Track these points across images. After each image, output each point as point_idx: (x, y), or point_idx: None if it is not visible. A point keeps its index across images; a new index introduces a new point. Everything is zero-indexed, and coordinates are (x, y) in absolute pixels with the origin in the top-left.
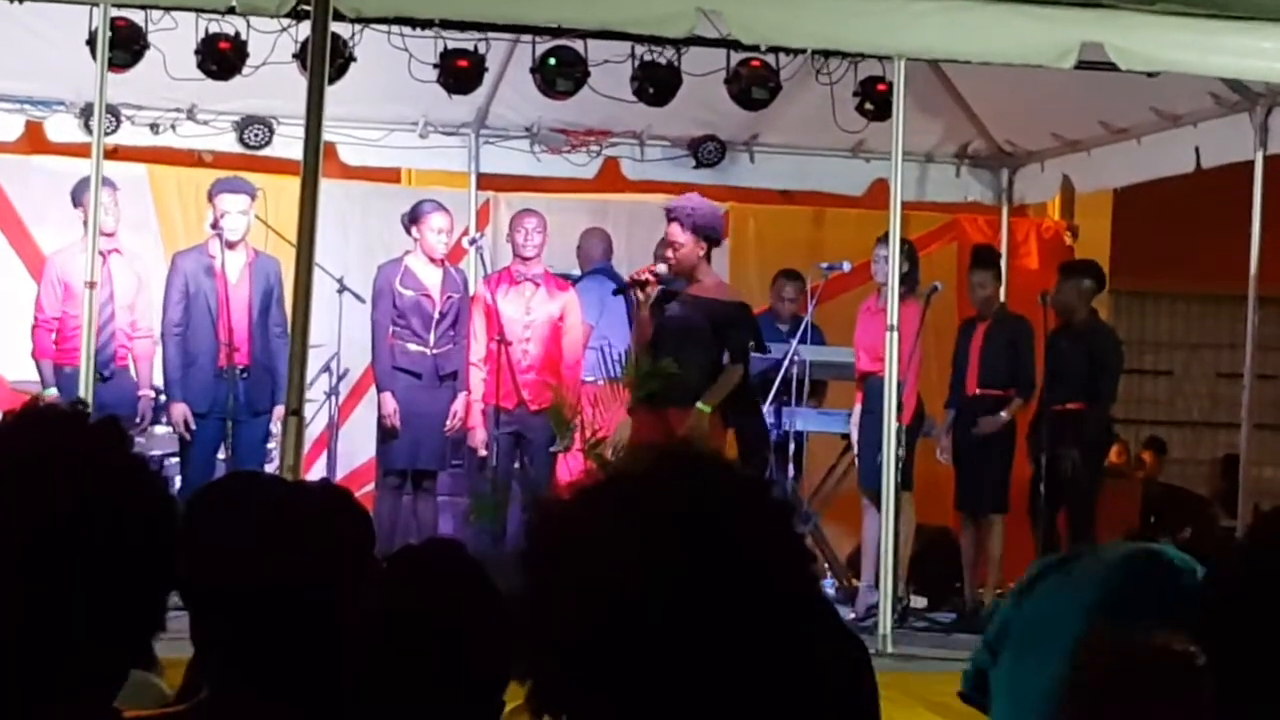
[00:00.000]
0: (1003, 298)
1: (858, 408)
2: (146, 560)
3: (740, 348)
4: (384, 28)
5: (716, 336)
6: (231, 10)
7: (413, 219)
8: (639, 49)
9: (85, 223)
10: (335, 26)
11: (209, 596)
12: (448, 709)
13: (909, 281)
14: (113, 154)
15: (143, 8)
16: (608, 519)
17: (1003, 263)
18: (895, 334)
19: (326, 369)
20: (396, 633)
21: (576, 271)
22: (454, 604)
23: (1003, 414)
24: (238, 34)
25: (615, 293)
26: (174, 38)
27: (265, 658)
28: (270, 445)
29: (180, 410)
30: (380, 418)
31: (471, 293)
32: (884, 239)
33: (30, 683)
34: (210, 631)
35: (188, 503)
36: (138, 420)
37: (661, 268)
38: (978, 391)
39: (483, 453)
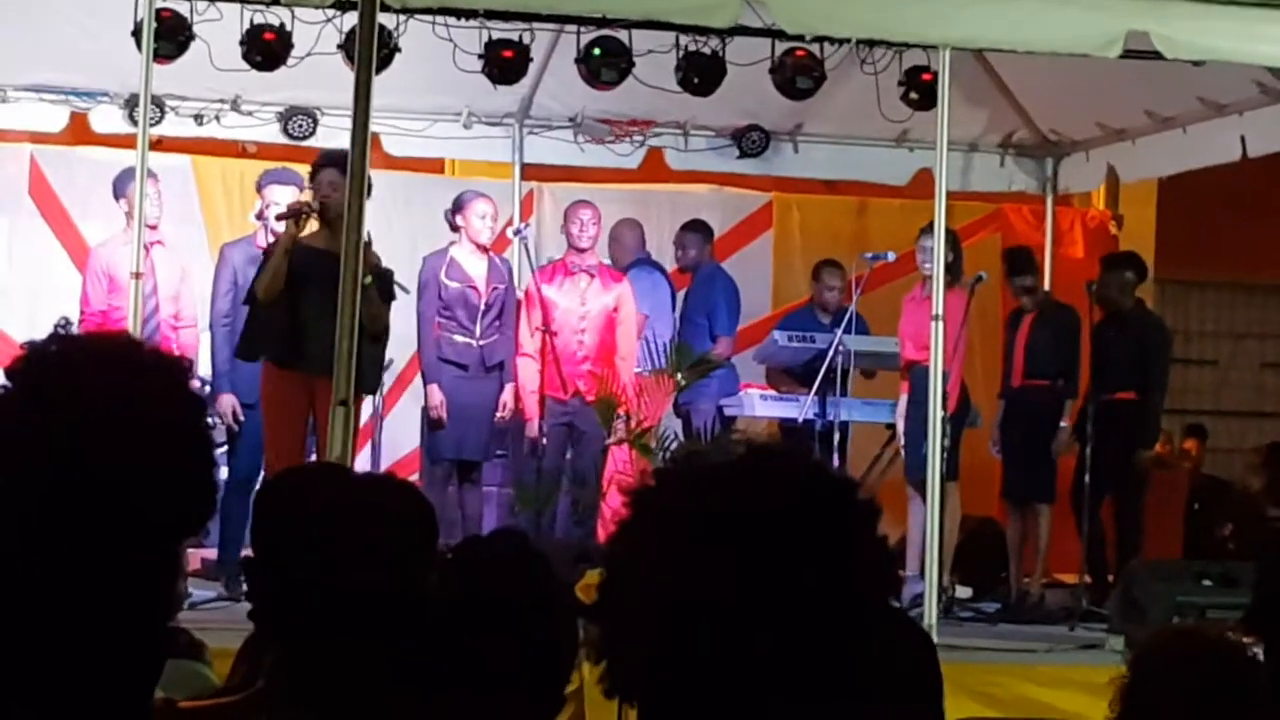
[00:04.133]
0: (1047, 287)
1: (903, 398)
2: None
3: None
4: (429, 18)
5: None
6: (276, 1)
7: (456, 208)
8: (683, 39)
9: (128, 214)
10: (381, 17)
11: (274, 585)
12: (511, 697)
13: (953, 271)
14: (157, 145)
15: None
16: (696, 508)
17: (1047, 253)
18: (940, 324)
19: None
20: (461, 622)
21: (608, 261)
22: (518, 593)
23: (1064, 423)
24: (282, 25)
25: None
26: (219, 28)
27: (327, 648)
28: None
29: (228, 401)
30: (426, 409)
31: (520, 284)
32: (928, 229)
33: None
34: (274, 620)
35: (258, 492)
36: None
37: None
38: (1024, 382)
39: (541, 441)
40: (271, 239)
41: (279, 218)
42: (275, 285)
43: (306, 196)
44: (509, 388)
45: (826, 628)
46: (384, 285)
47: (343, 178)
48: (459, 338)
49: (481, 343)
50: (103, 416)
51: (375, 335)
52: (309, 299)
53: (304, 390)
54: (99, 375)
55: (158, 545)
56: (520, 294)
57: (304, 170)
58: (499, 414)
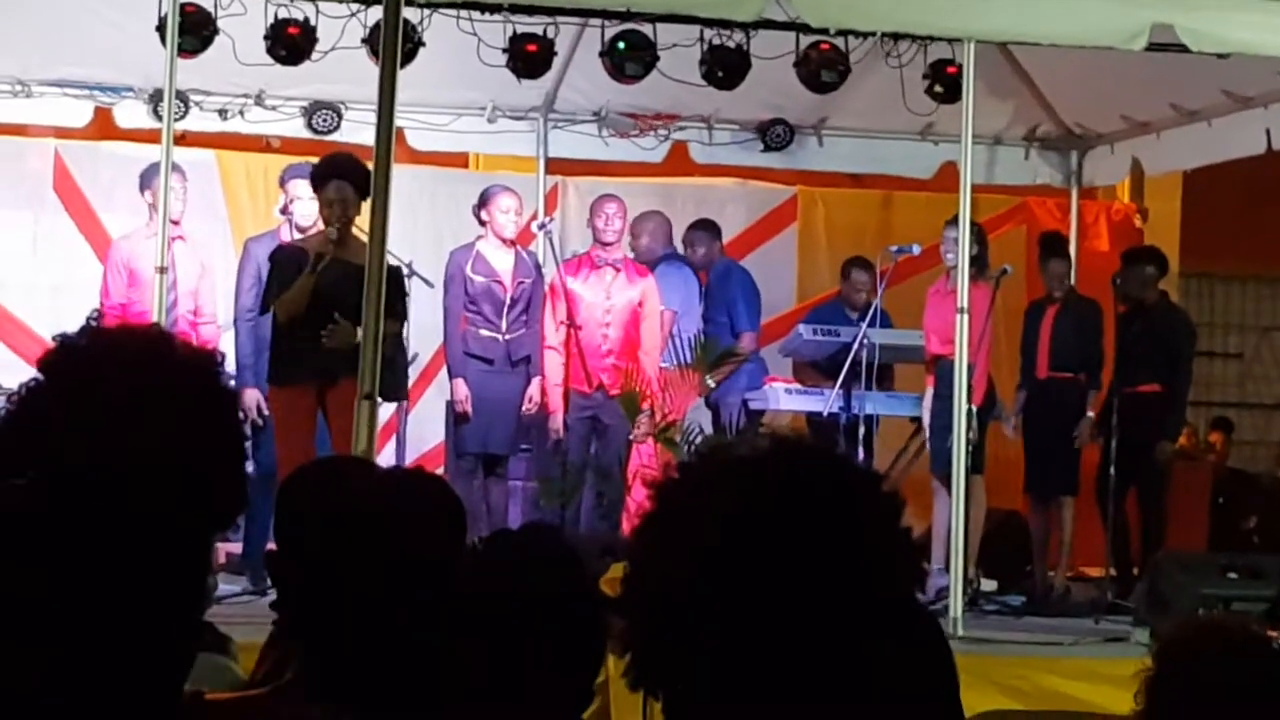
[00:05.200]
0: (1072, 280)
1: (929, 391)
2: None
3: None
4: (453, 12)
5: None
6: None
7: (481, 203)
8: (708, 32)
9: (152, 207)
10: (405, 11)
11: (301, 579)
12: (541, 691)
13: (979, 264)
14: (181, 140)
15: None
16: (718, 502)
17: (1072, 246)
18: (965, 317)
19: None
20: (491, 617)
21: (631, 254)
22: (550, 589)
23: (1089, 414)
24: (307, 19)
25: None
26: (243, 23)
27: (355, 641)
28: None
29: (253, 396)
30: (452, 403)
31: (546, 278)
32: (953, 222)
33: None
34: (299, 614)
35: (281, 486)
36: None
37: None
38: (1048, 375)
39: (561, 435)
40: (299, 235)
41: (313, 266)
42: (296, 312)
43: (323, 218)
44: (535, 381)
45: (849, 621)
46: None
47: (349, 189)
48: (484, 332)
49: (507, 337)
50: (134, 410)
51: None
52: (320, 315)
53: (312, 401)
54: (130, 369)
55: (189, 539)
56: (545, 287)
57: None
58: (525, 407)
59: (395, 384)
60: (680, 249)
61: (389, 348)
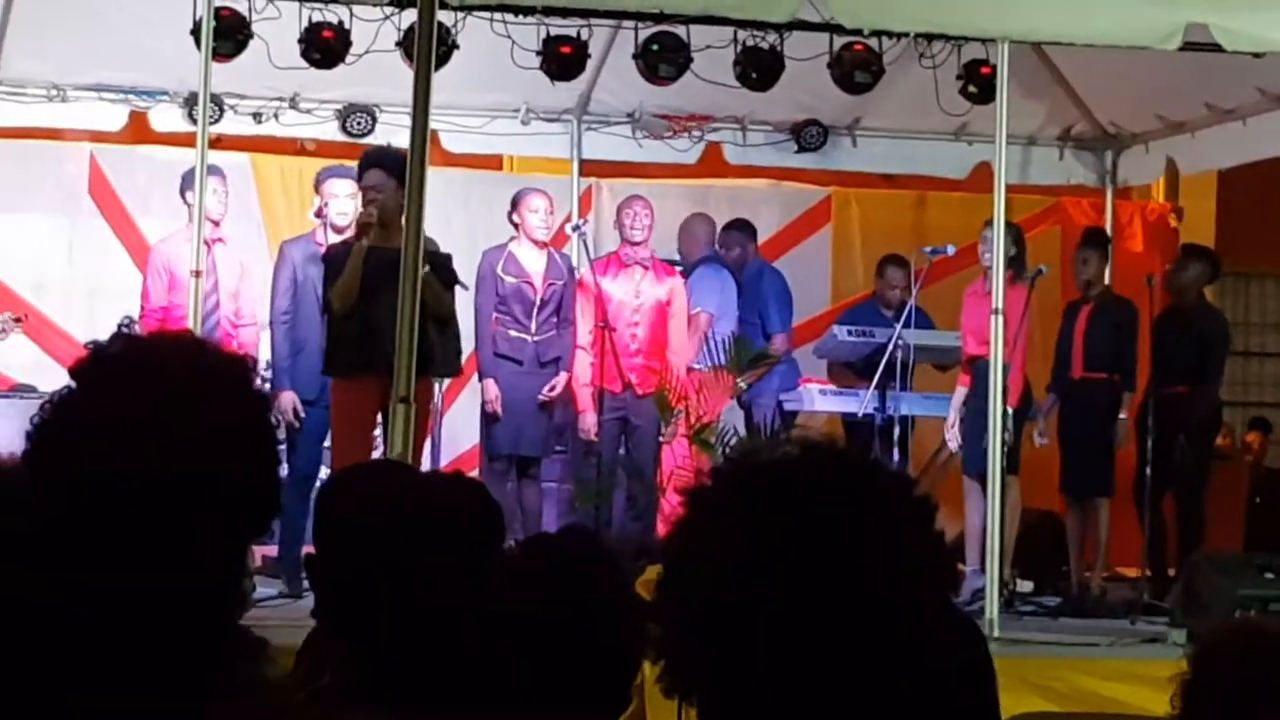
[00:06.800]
0: (1107, 280)
1: (960, 390)
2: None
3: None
4: (487, 15)
5: None
6: None
7: (512, 205)
8: (741, 34)
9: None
10: (439, 14)
11: (340, 583)
12: (578, 695)
13: (1017, 265)
14: (216, 143)
15: None
16: (751, 507)
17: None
18: (1000, 318)
19: None
20: (529, 621)
21: (676, 257)
22: (588, 594)
23: (1122, 415)
24: (341, 22)
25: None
26: (277, 26)
27: (393, 645)
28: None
29: (289, 398)
30: (483, 404)
31: (578, 278)
32: (992, 222)
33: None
34: (338, 617)
35: (320, 489)
36: None
37: None
38: (1083, 375)
39: (592, 437)
40: (334, 237)
41: (356, 238)
42: (350, 295)
43: (363, 204)
44: (561, 375)
45: (883, 626)
46: (442, 270)
47: (389, 177)
48: (514, 333)
49: (536, 338)
50: (168, 416)
51: (442, 319)
52: (373, 301)
53: (377, 393)
54: (164, 375)
55: (224, 544)
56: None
57: None
58: (545, 393)
59: (452, 360)
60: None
61: (450, 324)
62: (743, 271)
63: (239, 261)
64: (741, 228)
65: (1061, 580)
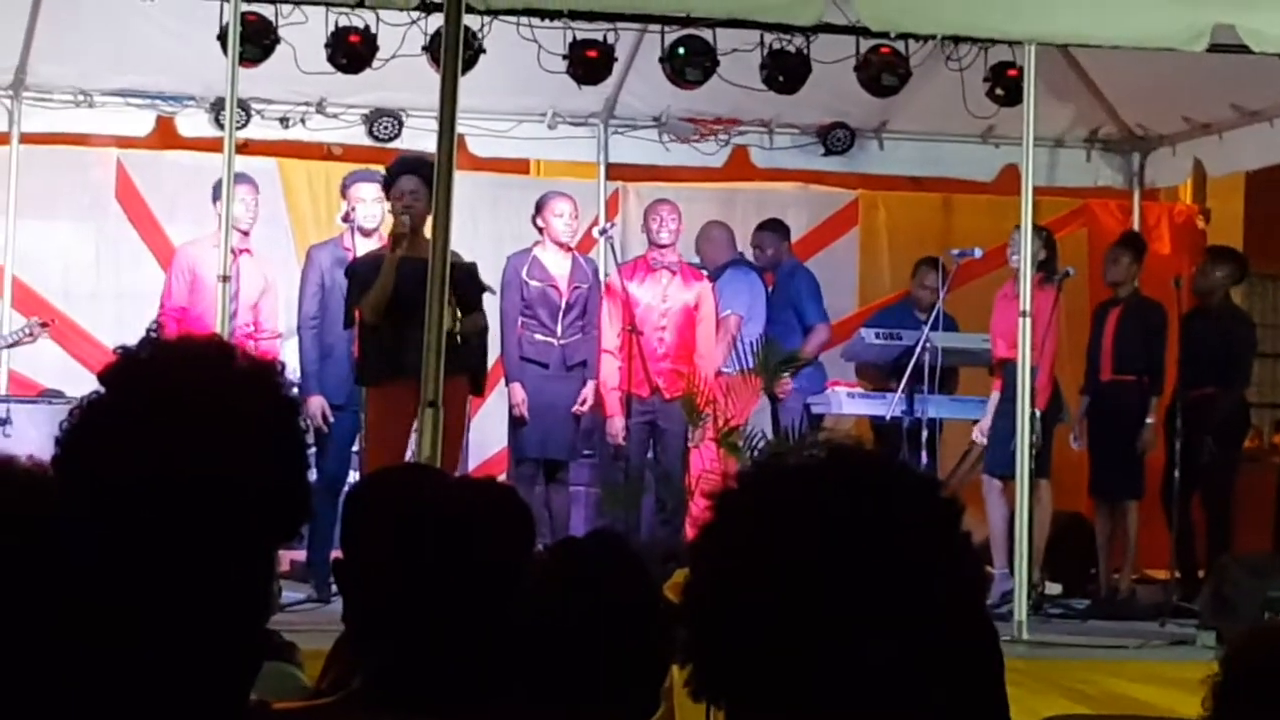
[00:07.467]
0: (1136, 284)
1: (995, 395)
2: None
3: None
4: (513, 19)
5: None
6: (361, 3)
7: (537, 209)
8: (768, 37)
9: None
10: (466, 19)
11: (369, 587)
12: (607, 699)
13: (1047, 269)
14: (242, 148)
15: (273, 1)
16: (777, 511)
17: None
18: (1028, 320)
19: None
20: (558, 624)
21: (697, 260)
22: (616, 596)
23: (1149, 419)
24: (367, 27)
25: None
26: (304, 31)
27: (422, 650)
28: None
29: (318, 403)
30: (510, 407)
31: (605, 282)
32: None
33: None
34: (367, 622)
35: (348, 493)
36: None
37: None
38: (1112, 377)
39: (620, 442)
40: (361, 241)
41: (389, 248)
42: (381, 306)
43: (398, 211)
44: (590, 384)
45: (910, 629)
46: (467, 288)
47: (420, 184)
48: (540, 336)
49: (562, 342)
50: (197, 422)
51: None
52: (404, 309)
53: (411, 399)
54: (192, 380)
55: (253, 550)
56: (603, 292)
57: None
58: (577, 407)
59: (480, 376)
60: (748, 252)
61: (477, 341)
62: (776, 271)
63: (264, 275)
64: (774, 228)
65: (1090, 583)
